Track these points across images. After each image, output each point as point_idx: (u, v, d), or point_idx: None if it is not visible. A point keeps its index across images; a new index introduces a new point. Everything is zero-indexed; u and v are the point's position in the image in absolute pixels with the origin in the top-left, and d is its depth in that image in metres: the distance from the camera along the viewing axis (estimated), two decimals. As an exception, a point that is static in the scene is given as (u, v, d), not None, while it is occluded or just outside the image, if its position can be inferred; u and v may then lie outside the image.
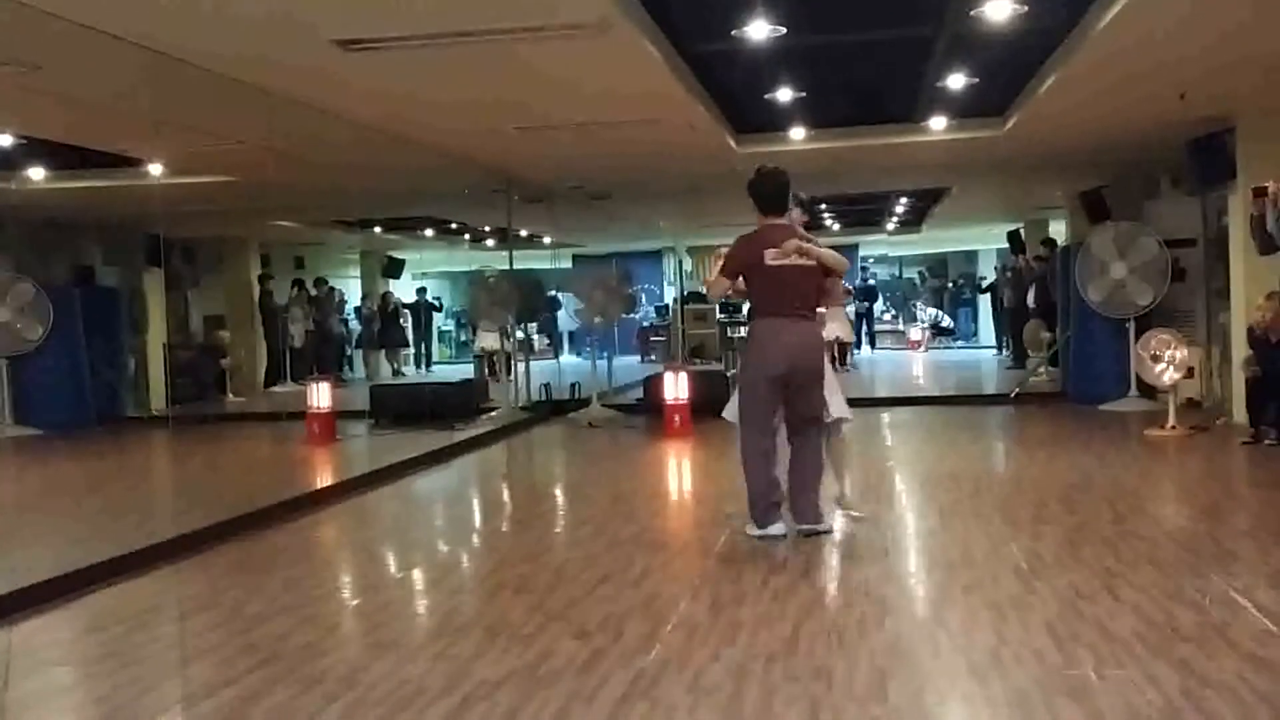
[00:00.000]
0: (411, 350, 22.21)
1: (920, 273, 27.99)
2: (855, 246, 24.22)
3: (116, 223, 15.11)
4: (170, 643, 4.80)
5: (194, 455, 11.23)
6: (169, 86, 7.55)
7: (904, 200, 18.12)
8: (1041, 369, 15.03)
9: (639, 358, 22.37)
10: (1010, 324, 18.62)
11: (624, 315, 14.48)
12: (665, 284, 25.78)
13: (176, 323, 17.12)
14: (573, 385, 14.29)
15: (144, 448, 12.81)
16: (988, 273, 24.59)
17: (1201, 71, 8.35)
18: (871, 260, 26.66)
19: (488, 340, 15.90)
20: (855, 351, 21.37)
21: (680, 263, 24.15)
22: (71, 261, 15.36)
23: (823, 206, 12.84)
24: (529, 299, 14.47)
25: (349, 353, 21.25)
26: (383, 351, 21.00)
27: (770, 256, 5.90)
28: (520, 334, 15.19)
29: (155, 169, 11.23)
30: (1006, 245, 20.23)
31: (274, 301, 18.51)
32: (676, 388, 11.26)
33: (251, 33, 6.47)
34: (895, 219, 20.76)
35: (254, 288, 18.44)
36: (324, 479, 9.57)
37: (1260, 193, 8.13)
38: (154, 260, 15.40)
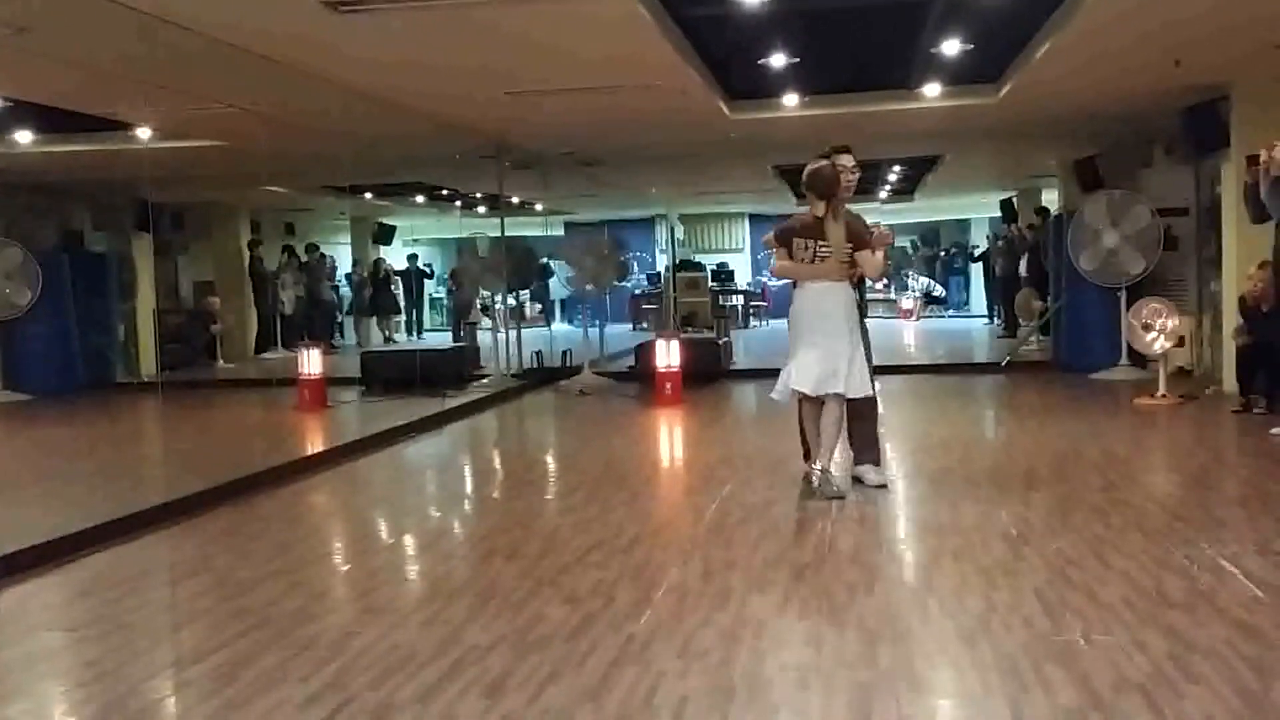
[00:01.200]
0: (403, 317, 22.19)
1: (913, 241, 27.97)
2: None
3: (105, 187, 15.02)
4: (161, 608, 4.81)
5: (184, 421, 11.21)
6: (158, 49, 7.47)
7: (897, 168, 18.07)
8: (1033, 338, 15.05)
9: (631, 325, 22.36)
10: (1002, 293, 18.62)
11: (616, 283, 14.46)
12: (657, 252, 25.74)
13: (166, 288, 17.07)
14: (564, 353, 14.28)
15: (134, 413, 12.78)
16: (980, 241, 24.59)
17: (1196, 38, 8.31)
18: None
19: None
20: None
21: (672, 230, 24.10)
22: (60, 226, 15.30)
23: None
24: (520, 266, 14.42)
25: (340, 319, 21.20)
26: (374, 318, 20.96)
27: None
28: (512, 300, 15.15)
29: (144, 133, 11.16)
30: (999, 214, 20.23)
31: (264, 267, 18.44)
32: (668, 355, 11.25)
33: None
34: (888, 187, 20.71)
35: (244, 254, 18.37)
36: (315, 445, 9.56)
37: (1254, 161, 8.10)
38: (143, 225, 15.32)
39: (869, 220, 6.68)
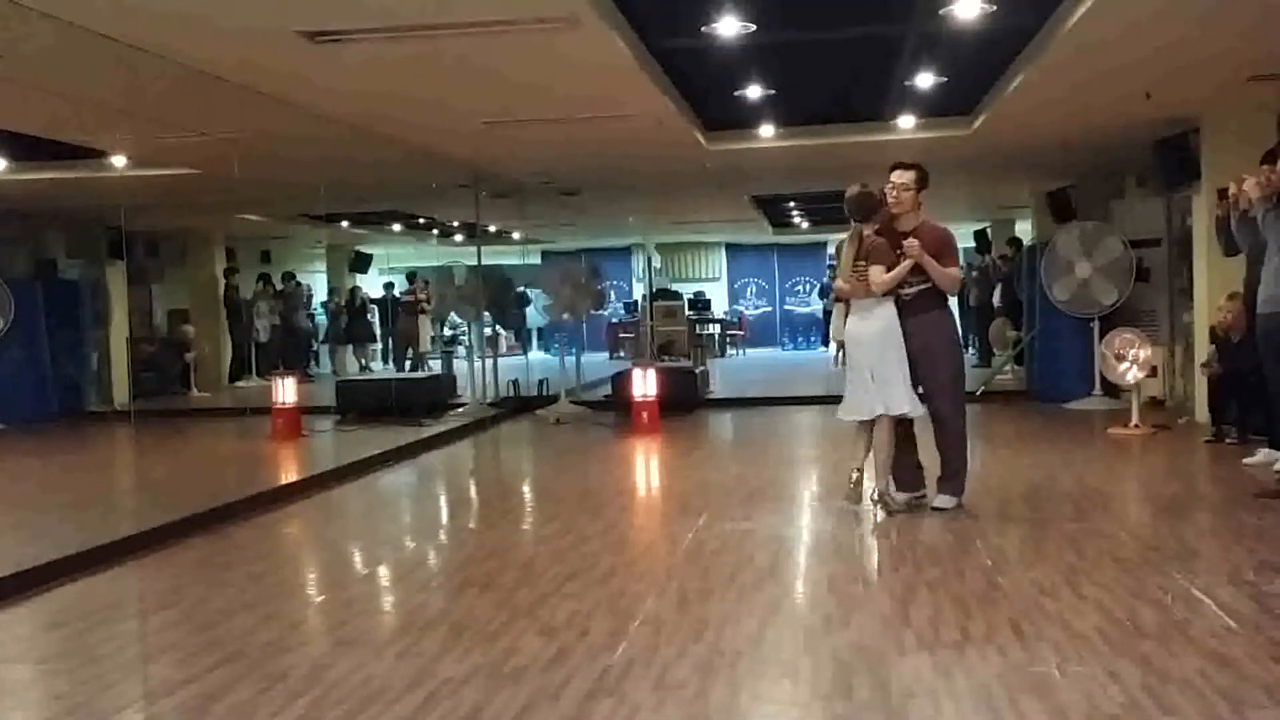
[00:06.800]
0: (379, 345, 22.11)
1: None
2: (824, 244, 24.34)
3: (80, 215, 14.94)
4: (131, 640, 4.76)
5: (157, 450, 11.12)
6: (133, 78, 7.46)
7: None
8: (1007, 367, 15.12)
9: (608, 354, 22.36)
10: (977, 322, 18.72)
11: (593, 312, 14.47)
12: (634, 280, 25.78)
13: (140, 316, 16.97)
14: (541, 381, 14.26)
15: (106, 442, 12.68)
16: (954, 271, 24.70)
17: (1167, 72, 8.42)
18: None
19: None
20: (825, 349, 21.46)
21: (649, 259, 24.16)
22: (33, 254, 15.21)
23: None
24: (497, 295, 14.42)
25: (315, 348, 21.12)
26: (350, 347, 20.89)
27: None
28: (488, 330, 15.15)
29: (119, 161, 11.12)
30: (973, 244, 20.35)
31: (238, 296, 18.38)
32: (645, 384, 11.25)
33: (216, 23, 6.40)
34: (863, 217, 20.80)
35: (219, 282, 18.29)
36: (288, 475, 9.50)
37: (1225, 194, 8.18)
38: (117, 253, 15.25)
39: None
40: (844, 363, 6.97)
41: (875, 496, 6.51)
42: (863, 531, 6.24)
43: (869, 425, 6.51)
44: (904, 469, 6.67)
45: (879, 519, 6.41)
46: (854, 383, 6.55)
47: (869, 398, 6.44)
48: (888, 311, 6.43)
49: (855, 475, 6.54)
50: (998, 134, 10.75)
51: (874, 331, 6.45)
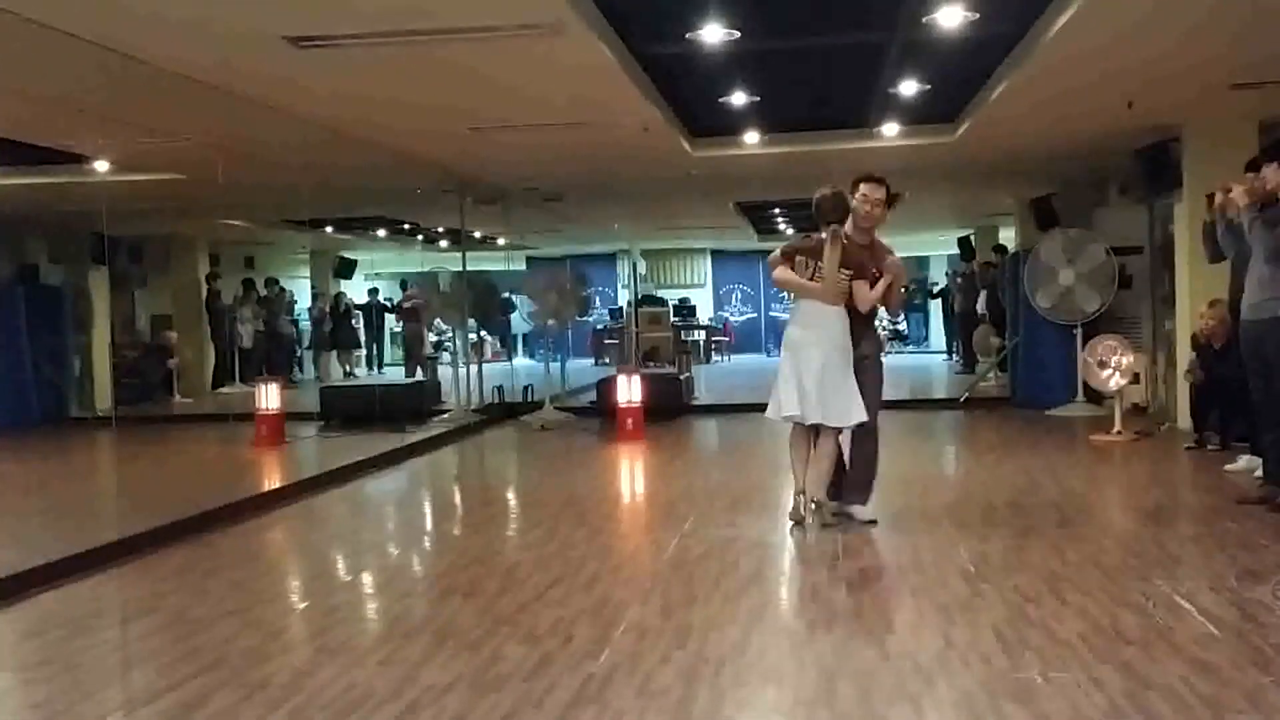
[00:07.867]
0: (363, 352, 22.06)
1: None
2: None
3: (62, 220, 14.87)
4: (112, 648, 4.73)
5: (139, 456, 11.06)
6: (116, 82, 7.43)
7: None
8: (991, 374, 15.17)
9: (593, 360, 22.35)
10: (961, 329, 18.78)
11: (578, 318, 14.46)
12: (619, 287, 25.78)
13: (122, 322, 16.88)
14: (526, 388, 14.24)
15: (88, 448, 12.61)
16: (939, 278, 24.81)
17: (1148, 81, 8.46)
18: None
19: None
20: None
21: (635, 265, 24.16)
22: (15, 259, 15.12)
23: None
24: (482, 301, 14.40)
25: (299, 353, 21.05)
26: (334, 353, 20.83)
27: None
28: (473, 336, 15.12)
29: (101, 165, 11.06)
30: (957, 251, 20.43)
31: (220, 301, 18.30)
32: (630, 391, 11.24)
33: (202, 28, 6.38)
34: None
35: (202, 287, 18.22)
36: (272, 481, 9.46)
37: (1214, 200, 8.22)
38: (99, 258, 15.17)
39: None
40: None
41: (812, 504, 6.34)
42: (846, 538, 6.23)
43: (806, 436, 6.40)
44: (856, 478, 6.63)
45: (855, 525, 6.41)
46: (788, 385, 6.32)
47: (806, 404, 6.26)
48: (843, 322, 6.33)
49: (800, 498, 6.39)
50: (981, 142, 10.78)
51: (827, 340, 6.29)
